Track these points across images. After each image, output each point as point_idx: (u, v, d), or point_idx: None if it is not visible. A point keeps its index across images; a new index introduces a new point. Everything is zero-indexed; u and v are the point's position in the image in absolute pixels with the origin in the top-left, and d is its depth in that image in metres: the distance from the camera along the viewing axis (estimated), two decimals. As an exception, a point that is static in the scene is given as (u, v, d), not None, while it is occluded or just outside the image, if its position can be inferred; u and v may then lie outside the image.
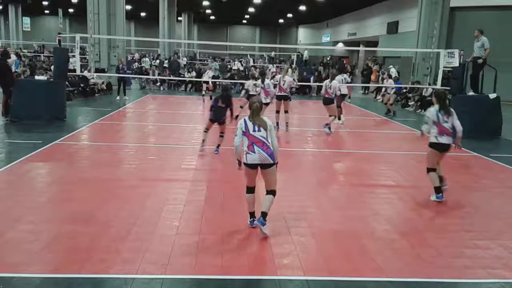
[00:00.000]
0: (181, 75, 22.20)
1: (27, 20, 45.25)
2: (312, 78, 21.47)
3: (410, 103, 17.07)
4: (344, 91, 13.57)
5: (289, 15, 44.99)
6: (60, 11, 23.38)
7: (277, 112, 11.46)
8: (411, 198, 6.46)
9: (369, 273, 4.08)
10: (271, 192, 4.86)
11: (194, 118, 13.16)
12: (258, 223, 4.73)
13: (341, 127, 12.03)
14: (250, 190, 4.95)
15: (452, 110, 6.14)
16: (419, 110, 16.11)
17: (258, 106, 4.82)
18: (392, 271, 4.13)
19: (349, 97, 19.75)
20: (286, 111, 11.36)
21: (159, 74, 21.75)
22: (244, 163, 4.83)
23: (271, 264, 4.18)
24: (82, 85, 16.91)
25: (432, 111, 6.13)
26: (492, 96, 11.50)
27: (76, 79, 16.54)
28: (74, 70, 13.74)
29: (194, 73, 22.50)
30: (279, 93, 11.26)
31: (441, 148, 6.19)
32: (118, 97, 16.59)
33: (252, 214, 4.99)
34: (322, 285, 3.90)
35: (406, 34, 24.72)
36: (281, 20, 50.32)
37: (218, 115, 8.32)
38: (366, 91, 23.20)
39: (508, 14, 18.35)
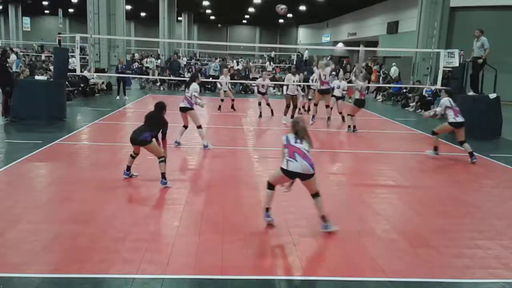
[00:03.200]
0: (181, 75, 22.20)
1: (27, 20, 45.27)
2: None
3: (410, 104, 17.08)
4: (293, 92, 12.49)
5: (289, 15, 44.95)
6: (60, 11, 23.43)
7: (315, 105, 11.96)
8: (411, 198, 6.46)
9: (369, 273, 4.08)
10: (316, 194, 4.90)
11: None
12: (323, 229, 4.84)
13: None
14: (273, 187, 4.99)
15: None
16: (419, 110, 16.10)
17: (303, 126, 4.89)
18: (392, 271, 4.13)
19: (350, 97, 19.79)
20: (327, 106, 12.02)
21: (159, 74, 21.74)
22: (283, 169, 4.80)
23: (271, 264, 4.18)
24: (82, 85, 16.91)
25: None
26: (492, 96, 11.51)
27: (76, 79, 16.53)
28: (74, 70, 13.74)
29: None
30: (321, 87, 11.55)
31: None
32: (118, 97, 16.59)
33: (267, 209, 5.07)
34: (322, 285, 3.90)
35: (406, 34, 24.71)
36: (281, 20, 50.29)
37: (136, 134, 6.40)
38: (366, 92, 23.16)
39: (508, 14, 18.34)
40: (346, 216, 5.52)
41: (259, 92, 13.81)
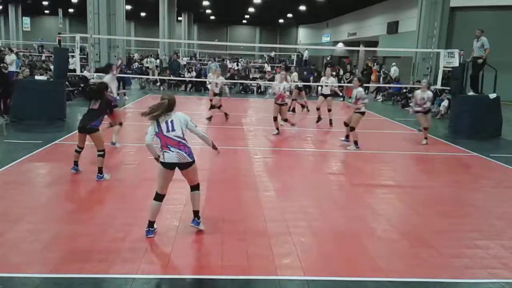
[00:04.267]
0: (181, 75, 22.21)
1: (27, 20, 45.22)
2: (311, 78, 21.47)
3: (410, 104, 17.05)
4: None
5: (289, 15, 44.98)
6: (60, 11, 23.42)
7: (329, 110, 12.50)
8: (411, 198, 6.46)
9: (369, 273, 4.08)
10: (196, 187, 4.73)
11: (194, 118, 13.12)
12: (194, 225, 4.72)
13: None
14: (160, 198, 4.63)
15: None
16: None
17: (172, 101, 4.52)
18: (392, 271, 4.14)
19: (350, 97, 19.79)
20: (329, 109, 12.43)
21: (159, 74, 21.74)
22: (161, 163, 4.55)
23: (271, 264, 4.18)
24: (82, 85, 16.91)
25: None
26: (492, 96, 11.51)
27: (76, 79, 16.55)
28: (74, 70, 13.74)
29: (194, 73, 22.49)
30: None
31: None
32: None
33: (151, 224, 4.66)
34: (322, 285, 3.90)
35: (406, 34, 24.70)
36: (281, 20, 50.32)
37: (85, 121, 6.40)
38: (366, 91, 23.16)
39: (508, 14, 18.33)
40: (346, 216, 5.52)
41: (214, 93, 12.18)
